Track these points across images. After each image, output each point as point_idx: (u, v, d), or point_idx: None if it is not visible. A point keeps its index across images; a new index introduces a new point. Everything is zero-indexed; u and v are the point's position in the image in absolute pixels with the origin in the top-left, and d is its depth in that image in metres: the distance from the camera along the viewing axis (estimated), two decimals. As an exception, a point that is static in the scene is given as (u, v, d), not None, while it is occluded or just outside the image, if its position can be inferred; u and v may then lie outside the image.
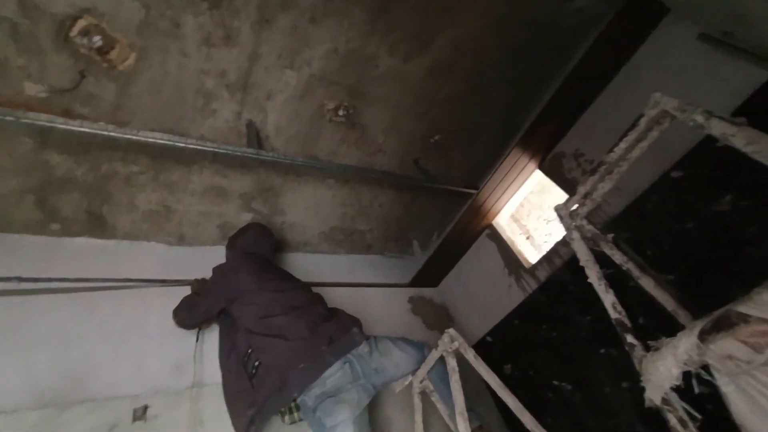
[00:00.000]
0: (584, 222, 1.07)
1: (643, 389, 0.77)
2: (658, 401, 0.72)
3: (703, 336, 0.68)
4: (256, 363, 1.44)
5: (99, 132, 1.41)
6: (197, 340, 1.87)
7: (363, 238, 2.88)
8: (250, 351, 1.49)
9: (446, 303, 3.06)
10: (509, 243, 2.61)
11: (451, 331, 1.56)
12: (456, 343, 1.47)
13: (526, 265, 2.46)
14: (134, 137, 1.46)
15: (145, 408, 1.59)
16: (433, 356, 1.59)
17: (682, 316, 0.94)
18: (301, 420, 1.50)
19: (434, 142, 2.38)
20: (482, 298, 2.75)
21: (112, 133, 1.42)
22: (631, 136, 0.92)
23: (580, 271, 2.07)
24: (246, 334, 1.54)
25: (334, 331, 1.53)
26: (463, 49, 1.94)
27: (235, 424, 1.47)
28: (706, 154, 1.59)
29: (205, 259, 2.29)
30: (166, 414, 1.60)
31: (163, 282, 2.02)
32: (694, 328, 0.70)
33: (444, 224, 3.02)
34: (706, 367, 0.70)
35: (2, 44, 1.32)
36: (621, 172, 0.98)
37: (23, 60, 1.38)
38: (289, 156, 1.87)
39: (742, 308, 0.63)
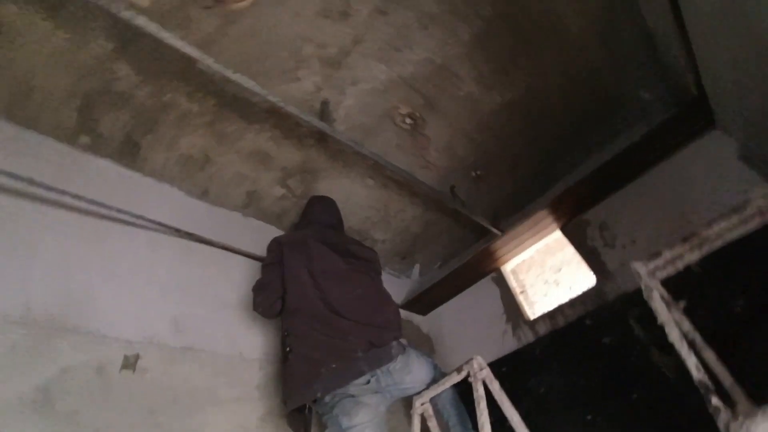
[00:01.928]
0: (658, 284, 1.13)
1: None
2: (749, 465, 0.74)
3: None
4: (288, 349, 1.36)
5: (197, 57, 1.35)
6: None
7: (373, 247, 2.85)
8: (286, 334, 1.41)
9: (431, 333, 3.04)
10: (514, 292, 2.68)
11: (479, 358, 1.55)
12: (485, 372, 1.47)
13: (527, 317, 2.52)
14: (229, 75, 1.40)
15: (137, 357, 1.44)
16: (452, 379, 1.57)
17: (737, 393, 0.99)
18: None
19: (476, 176, 2.46)
20: (472, 337, 2.77)
21: (208, 62, 1.36)
22: (735, 218, 1.00)
23: (584, 334, 2.15)
24: (287, 314, 1.45)
25: (375, 337, 1.46)
26: (535, 94, 2.05)
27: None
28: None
29: (219, 222, 2.19)
30: (158, 369, 1.46)
31: (178, 231, 1.89)
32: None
33: (451, 255, 3.06)
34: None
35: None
36: (712, 248, 1.06)
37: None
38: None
39: None
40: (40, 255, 1.45)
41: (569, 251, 2.64)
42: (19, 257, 1.39)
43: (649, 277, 1.14)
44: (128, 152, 1.85)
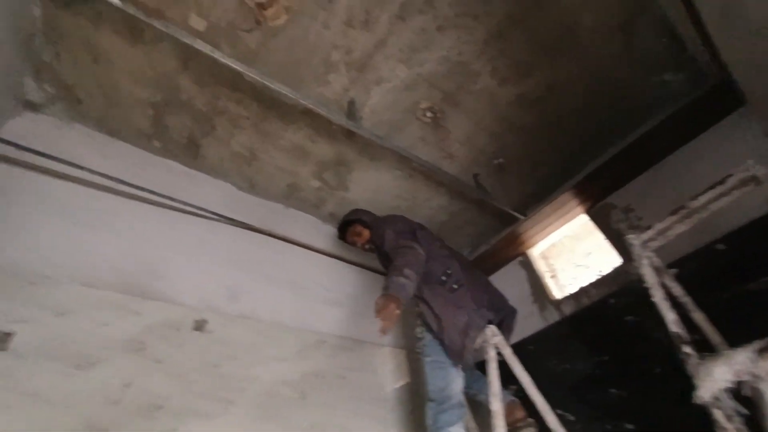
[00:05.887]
0: (653, 254, 1.23)
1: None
2: (708, 398, 0.86)
3: (760, 352, 0.83)
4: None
5: (243, 71, 1.62)
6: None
7: (403, 234, 3.04)
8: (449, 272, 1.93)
9: (460, 316, 3.19)
10: (540, 274, 2.76)
11: (493, 327, 1.71)
12: (497, 338, 1.62)
13: (552, 298, 2.60)
14: (270, 84, 1.66)
15: (204, 321, 1.75)
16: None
17: (720, 347, 1.09)
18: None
19: (497, 164, 2.57)
20: (499, 319, 2.88)
21: (254, 75, 1.63)
22: (717, 190, 1.09)
23: (606, 313, 2.21)
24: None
25: None
26: (554, 90, 2.14)
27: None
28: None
29: (263, 212, 2.49)
30: (219, 331, 1.76)
31: (230, 219, 2.21)
32: (752, 345, 0.85)
33: (478, 243, 3.18)
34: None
35: (193, -22, 1.55)
36: (699, 219, 1.15)
37: (203, -5, 1.60)
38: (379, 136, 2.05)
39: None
40: (123, 235, 1.81)
41: (598, 236, 2.67)
42: (106, 236, 1.75)
43: (642, 248, 1.24)
44: (190, 152, 2.19)
